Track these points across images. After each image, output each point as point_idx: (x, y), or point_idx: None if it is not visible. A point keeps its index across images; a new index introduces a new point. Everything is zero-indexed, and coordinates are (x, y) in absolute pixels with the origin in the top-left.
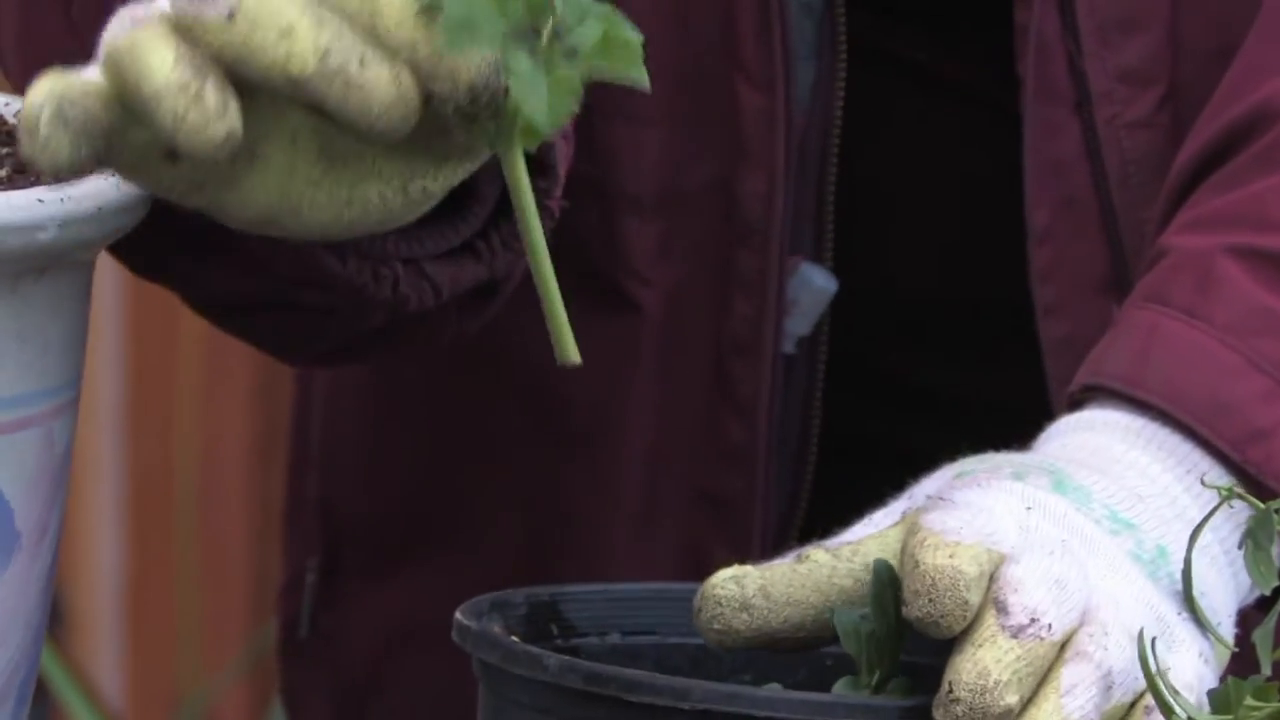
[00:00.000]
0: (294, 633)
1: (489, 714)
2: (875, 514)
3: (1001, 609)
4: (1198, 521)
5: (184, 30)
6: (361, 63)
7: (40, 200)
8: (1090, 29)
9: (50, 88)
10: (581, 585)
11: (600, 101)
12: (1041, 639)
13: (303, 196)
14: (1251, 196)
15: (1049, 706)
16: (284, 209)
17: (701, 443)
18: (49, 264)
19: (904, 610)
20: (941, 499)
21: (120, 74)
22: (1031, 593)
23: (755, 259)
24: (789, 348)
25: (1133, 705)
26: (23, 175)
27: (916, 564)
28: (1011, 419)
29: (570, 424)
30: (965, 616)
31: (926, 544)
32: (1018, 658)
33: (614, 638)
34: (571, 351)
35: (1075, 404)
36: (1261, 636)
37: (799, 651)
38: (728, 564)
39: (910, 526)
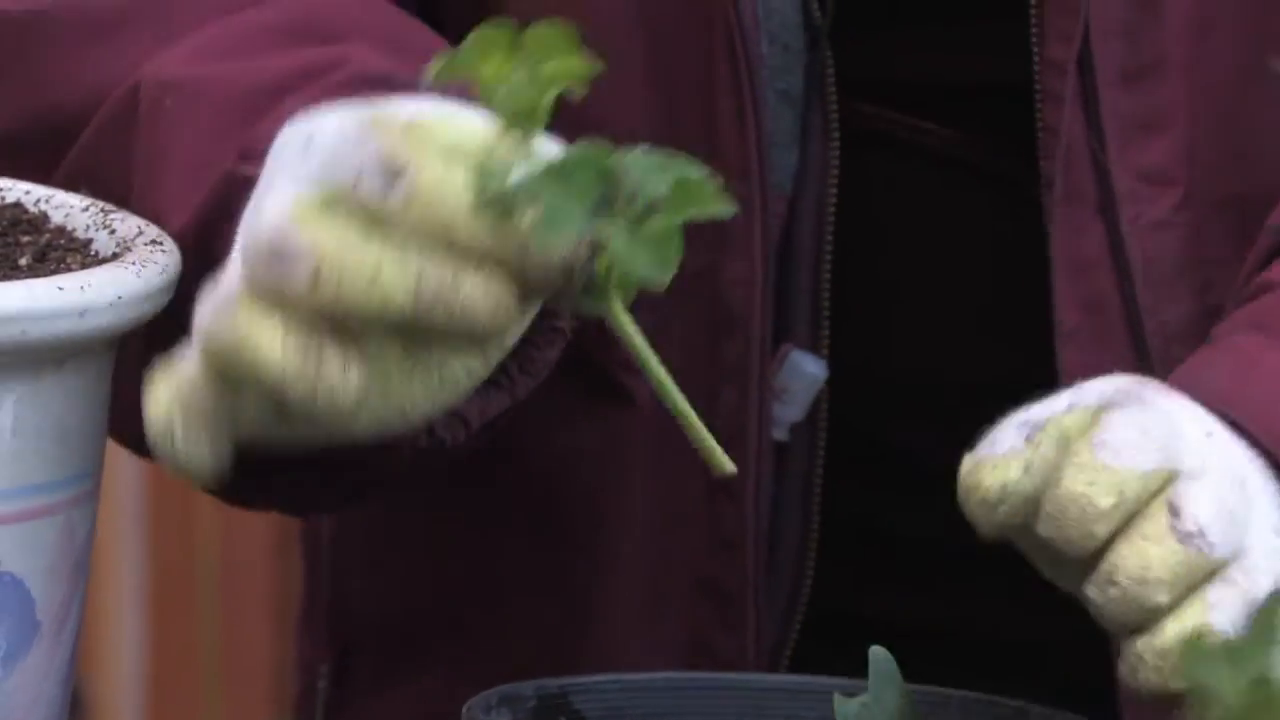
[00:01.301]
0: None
1: None
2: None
3: (1175, 512)
4: None
5: (276, 302)
6: (454, 284)
7: (60, 289)
8: (1114, 130)
9: (169, 400)
10: (591, 676)
11: None
12: (1204, 553)
13: (402, 396)
14: None
15: (1194, 613)
16: (390, 413)
17: (698, 533)
18: (69, 353)
19: (1036, 526)
20: (1133, 396)
21: (232, 369)
22: (1205, 509)
23: (738, 347)
24: (780, 435)
25: None
26: (42, 263)
27: (1058, 482)
28: None
29: (571, 519)
30: (1089, 547)
31: (1075, 462)
32: (1179, 561)
33: None
34: (725, 464)
35: None
36: None
37: None
38: (731, 654)
39: (1091, 418)
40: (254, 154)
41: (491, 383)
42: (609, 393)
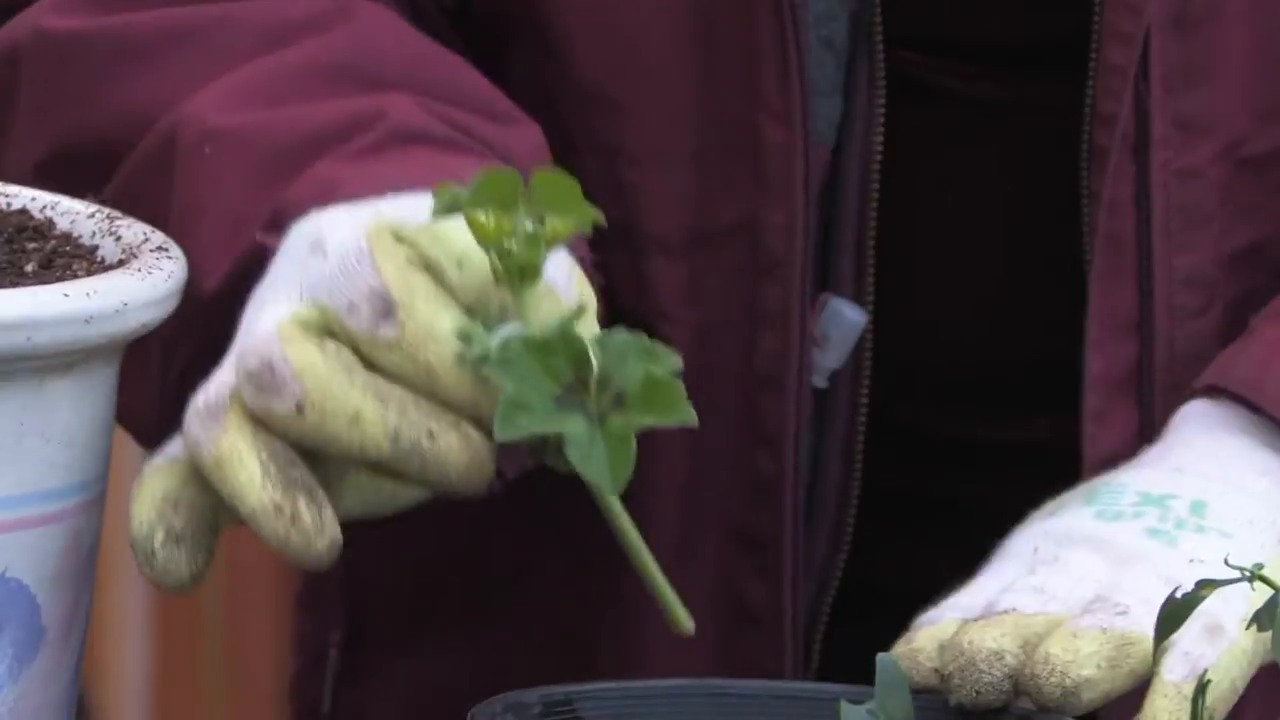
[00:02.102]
0: (315, 712)
1: None
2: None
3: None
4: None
5: (259, 420)
6: (431, 436)
7: (66, 295)
8: (1159, 74)
9: (153, 502)
10: (596, 684)
11: (627, 144)
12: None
13: (395, 492)
14: None
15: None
16: (381, 504)
17: (733, 480)
18: (75, 360)
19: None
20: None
21: (215, 485)
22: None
23: (778, 292)
24: (820, 382)
25: None
26: (48, 270)
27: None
28: (1052, 465)
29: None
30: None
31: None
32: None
33: None
34: (685, 622)
35: (1195, 394)
36: None
37: None
38: (763, 607)
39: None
40: (280, 223)
41: None
42: None
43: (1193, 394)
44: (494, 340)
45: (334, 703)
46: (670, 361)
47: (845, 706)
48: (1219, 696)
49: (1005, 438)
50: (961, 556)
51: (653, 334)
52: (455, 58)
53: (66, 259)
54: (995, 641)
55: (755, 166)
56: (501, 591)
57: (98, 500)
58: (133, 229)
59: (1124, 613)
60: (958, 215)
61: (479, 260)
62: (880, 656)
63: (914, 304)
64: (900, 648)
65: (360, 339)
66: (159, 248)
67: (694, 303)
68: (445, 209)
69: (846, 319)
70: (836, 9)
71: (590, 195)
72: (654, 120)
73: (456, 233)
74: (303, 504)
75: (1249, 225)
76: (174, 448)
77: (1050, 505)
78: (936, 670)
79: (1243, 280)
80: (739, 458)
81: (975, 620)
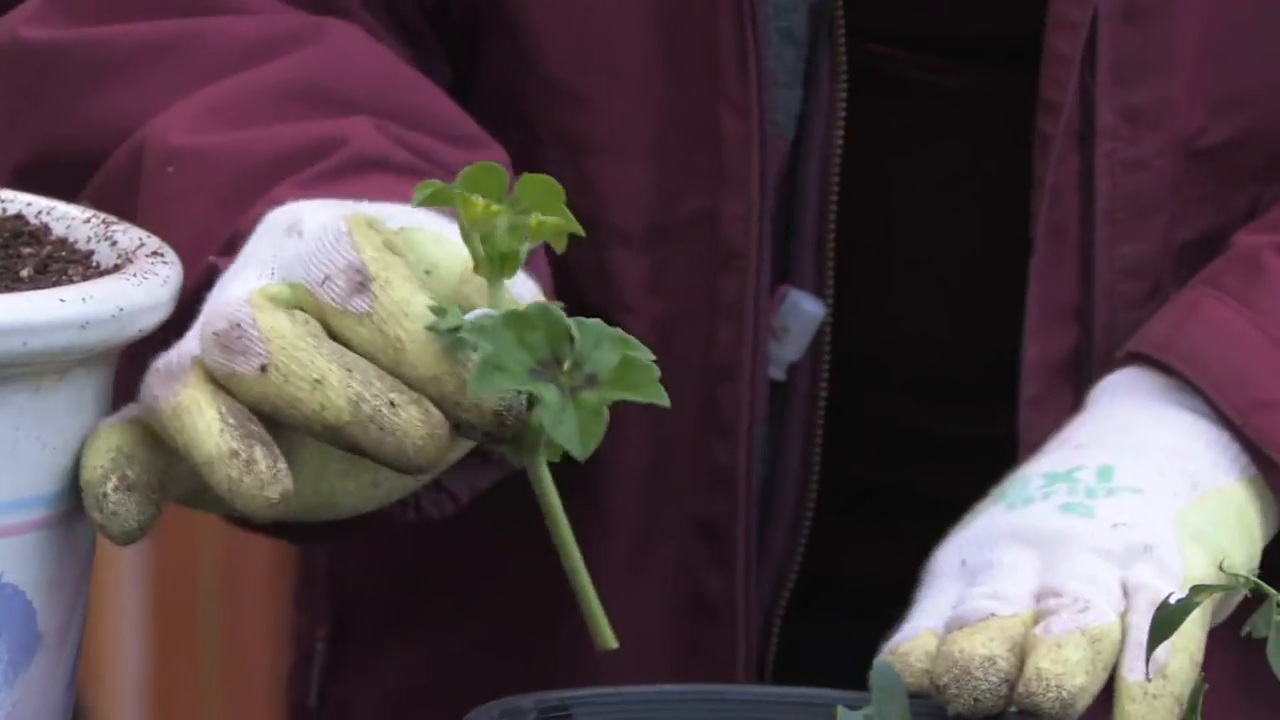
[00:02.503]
0: (303, 706)
1: None
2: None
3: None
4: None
5: (222, 383)
6: (393, 406)
7: (62, 301)
8: (1109, 63)
9: (108, 450)
10: (592, 689)
11: (591, 137)
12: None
13: (334, 489)
14: None
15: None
16: (319, 503)
17: (691, 470)
18: (70, 364)
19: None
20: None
21: (170, 436)
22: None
23: (736, 283)
24: (777, 374)
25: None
26: (44, 275)
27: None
28: (1012, 457)
29: (562, 464)
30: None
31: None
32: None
33: None
34: (609, 638)
35: (1118, 365)
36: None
37: None
38: (720, 598)
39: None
40: (236, 246)
41: (483, 456)
42: None
43: (1115, 364)
44: (468, 318)
45: (320, 697)
46: (644, 351)
47: (843, 712)
48: (1184, 681)
49: (966, 430)
50: (922, 549)
51: (617, 325)
52: (422, 79)
53: (62, 264)
54: (985, 647)
55: (715, 158)
56: (475, 588)
57: None
58: (129, 234)
59: (1085, 609)
60: (919, 207)
61: (448, 270)
62: (877, 662)
63: (874, 296)
64: (887, 656)
65: (330, 312)
66: (155, 253)
67: (656, 294)
68: (429, 199)
69: (805, 311)
70: (797, 1)
71: None
72: (617, 113)
73: (429, 241)
74: (259, 451)
75: (1202, 216)
76: (128, 411)
77: (968, 517)
78: (928, 672)
79: (1195, 269)
80: (697, 448)
81: (959, 630)
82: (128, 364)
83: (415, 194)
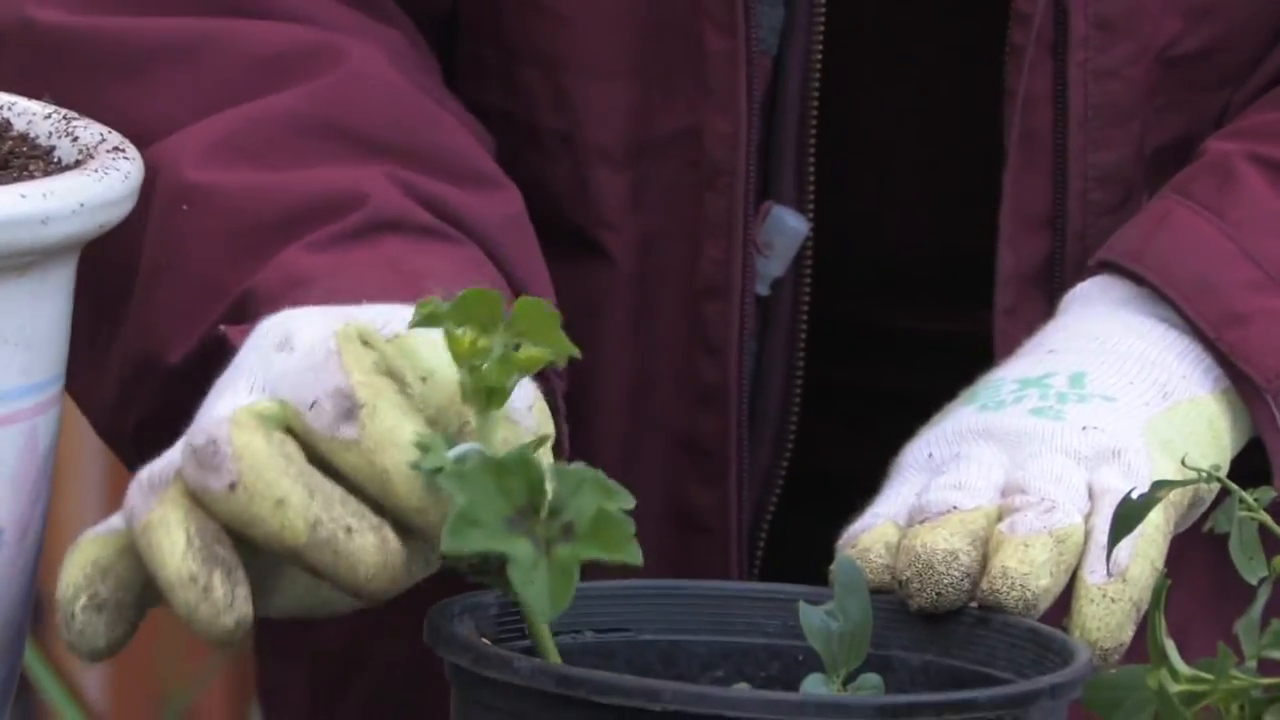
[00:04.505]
0: (269, 624)
1: (460, 717)
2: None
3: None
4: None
5: (195, 498)
6: (349, 532)
7: (23, 196)
8: None
9: (83, 565)
10: None
11: (569, 55)
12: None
13: (330, 598)
14: None
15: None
16: (314, 606)
17: (678, 388)
18: (32, 260)
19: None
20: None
21: (140, 552)
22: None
23: (722, 201)
24: (762, 289)
25: None
26: (4, 170)
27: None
28: (986, 352)
29: (547, 378)
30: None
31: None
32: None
33: (587, 636)
34: (552, 654)
35: (1090, 273)
36: (1245, 628)
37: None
38: (710, 514)
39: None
40: (246, 309)
41: None
42: (586, 250)
43: (1087, 273)
44: (452, 455)
45: None
46: (623, 499)
47: (804, 607)
48: (1144, 586)
49: (943, 328)
50: (901, 446)
51: (597, 244)
52: (440, 114)
53: (23, 160)
54: (947, 542)
55: (698, 76)
56: None
57: (55, 400)
58: (90, 129)
59: (1051, 509)
60: (895, 120)
61: (443, 377)
62: (839, 556)
63: (852, 208)
64: (847, 551)
65: (319, 437)
66: (116, 148)
67: (637, 211)
68: (424, 321)
69: (790, 227)
70: None
71: (532, 107)
72: (596, 30)
73: (425, 348)
74: (218, 578)
75: (1175, 122)
76: (115, 520)
77: (937, 415)
78: (889, 567)
79: (1166, 174)
80: (683, 366)
81: (920, 524)
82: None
83: (412, 313)
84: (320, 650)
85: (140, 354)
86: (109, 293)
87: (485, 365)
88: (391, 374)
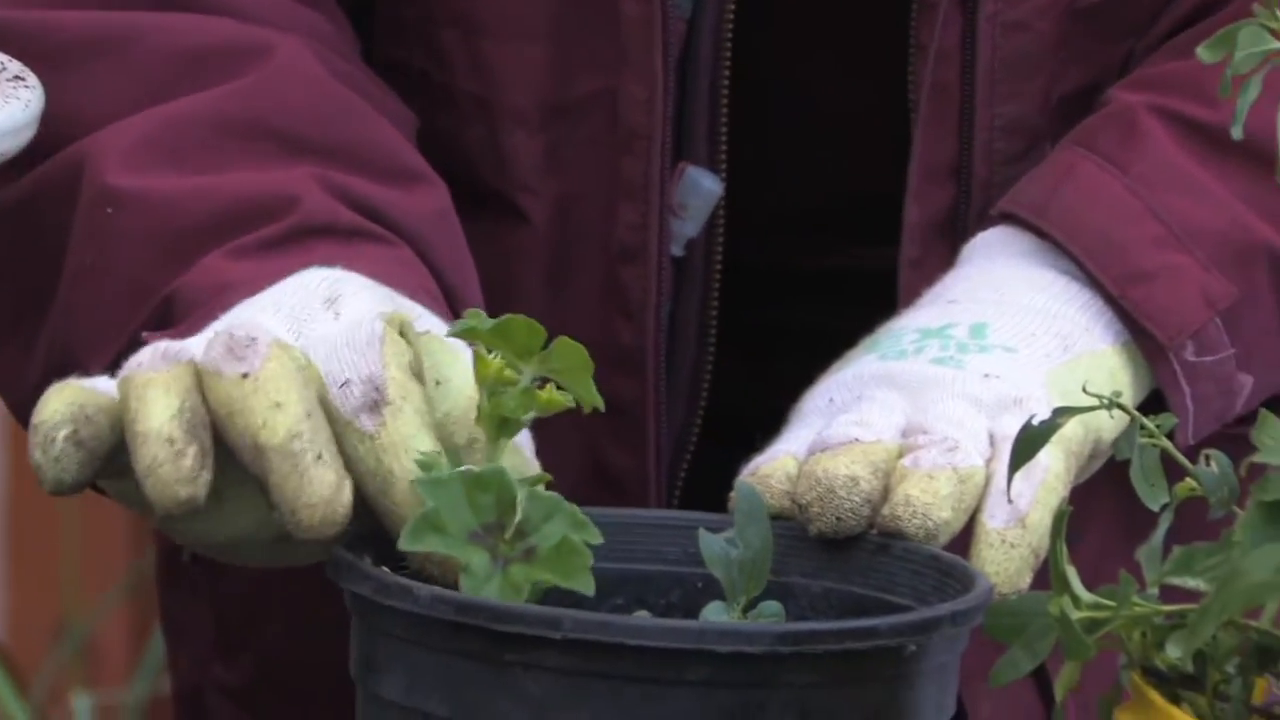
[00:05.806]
0: (175, 560)
1: (361, 646)
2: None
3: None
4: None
5: (202, 377)
6: (318, 459)
7: None
8: None
9: (70, 403)
10: None
11: (486, 19)
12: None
13: (261, 529)
14: (1193, 68)
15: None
16: (243, 541)
17: (596, 351)
18: None
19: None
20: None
21: (124, 403)
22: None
23: (639, 165)
24: (677, 250)
25: None
26: None
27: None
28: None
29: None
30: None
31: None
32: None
33: None
34: None
35: (992, 223)
36: (1147, 555)
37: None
38: (629, 474)
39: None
40: (171, 312)
41: None
42: (503, 212)
43: (989, 222)
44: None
45: (194, 553)
46: (591, 534)
47: (703, 535)
48: (1043, 533)
49: (851, 266)
50: (810, 383)
51: (513, 207)
52: (366, 109)
53: None
54: (848, 468)
55: (614, 39)
56: None
57: None
58: None
59: (954, 448)
60: (805, 77)
61: (454, 388)
62: (739, 483)
63: (765, 164)
64: (747, 479)
65: (336, 416)
66: (16, 77)
67: (553, 174)
68: (462, 335)
69: (704, 188)
70: None
71: (448, 69)
72: None
73: (446, 354)
74: (193, 450)
75: (1081, 72)
76: (99, 382)
77: (837, 364)
78: (789, 494)
79: (1071, 123)
80: (601, 329)
81: (822, 452)
82: None
83: (455, 322)
84: (227, 592)
85: (64, 350)
86: (37, 279)
87: (506, 395)
88: (419, 376)
